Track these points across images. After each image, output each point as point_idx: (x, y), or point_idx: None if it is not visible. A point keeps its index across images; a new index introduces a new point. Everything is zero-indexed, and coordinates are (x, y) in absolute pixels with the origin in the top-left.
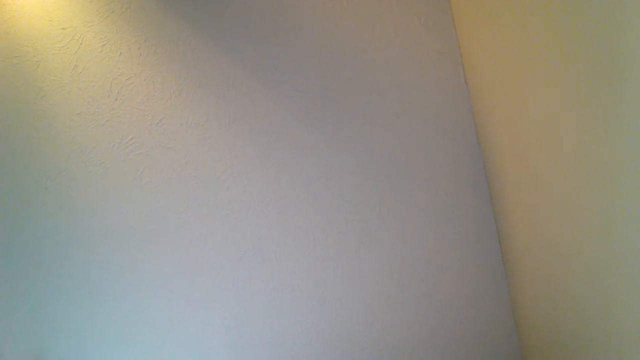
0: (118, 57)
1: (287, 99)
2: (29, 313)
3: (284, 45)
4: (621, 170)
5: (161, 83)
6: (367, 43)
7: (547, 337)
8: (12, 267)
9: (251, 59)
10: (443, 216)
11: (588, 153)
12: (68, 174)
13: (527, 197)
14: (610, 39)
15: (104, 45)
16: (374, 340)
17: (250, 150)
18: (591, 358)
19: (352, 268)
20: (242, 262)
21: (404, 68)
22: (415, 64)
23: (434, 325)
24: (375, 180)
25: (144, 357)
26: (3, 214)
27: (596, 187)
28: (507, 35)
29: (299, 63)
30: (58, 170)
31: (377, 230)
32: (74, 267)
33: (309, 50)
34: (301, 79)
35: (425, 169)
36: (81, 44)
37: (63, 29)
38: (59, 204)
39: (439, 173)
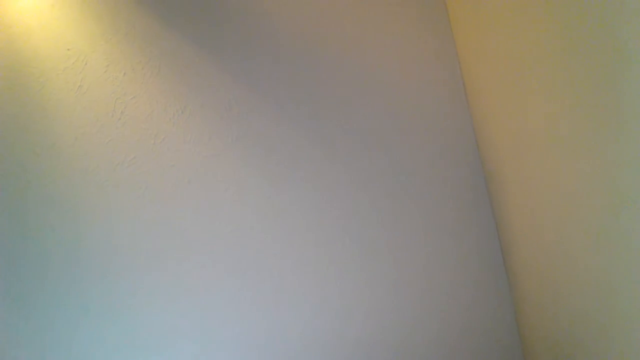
0: (122, 77)
1: (290, 115)
2: (31, 323)
3: (287, 61)
4: (622, 172)
5: (164, 101)
6: (362, 45)
7: (550, 341)
8: (15, 280)
9: (253, 75)
10: (442, 220)
11: (588, 154)
12: (71, 192)
13: (527, 199)
14: (610, 39)
15: (108, 65)
16: (374, 344)
17: (253, 167)
18: None
19: (353, 273)
20: (245, 278)
21: (401, 70)
22: (411, 66)
23: (435, 330)
24: (374, 186)
25: None
26: (7, 231)
27: (597, 189)
28: (504, 36)
29: (297, 71)
30: (61, 189)
31: (377, 236)
32: (75, 282)
33: (306, 54)
34: (304, 94)
35: (423, 173)
36: (85, 64)
37: (68, 49)
38: (62, 221)
39: (437, 177)
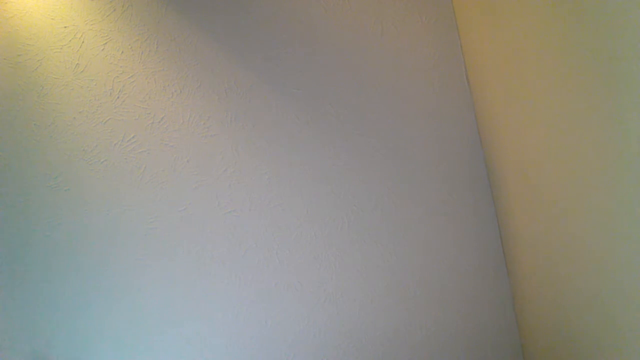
0: (120, 56)
1: (288, 97)
2: (32, 311)
3: (285, 44)
4: (624, 168)
5: (162, 81)
6: (368, 42)
7: (549, 335)
8: (14, 265)
9: (252, 57)
10: (445, 214)
11: (591, 151)
12: (70, 172)
13: (529, 195)
14: (614, 38)
15: (105, 43)
16: (375, 337)
17: (252, 148)
18: (593, 355)
19: (354, 265)
20: (244, 260)
21: (406, 67)
22: (417, 63)
23: (435, 322)
24: (377, 179)
25: (145, 355)
26: (5, 213)
27: (599, 185)
28: (509, 34)
29: (301, 61)
30: (60, 168)
31: (379, 228)
32: (75, 264)
33: (310, 48)
34: (302, 77)
35: (426, 167)
36: (83, 42)
37: (65, 27)
38: (60, 202)
39: (440, 171)
